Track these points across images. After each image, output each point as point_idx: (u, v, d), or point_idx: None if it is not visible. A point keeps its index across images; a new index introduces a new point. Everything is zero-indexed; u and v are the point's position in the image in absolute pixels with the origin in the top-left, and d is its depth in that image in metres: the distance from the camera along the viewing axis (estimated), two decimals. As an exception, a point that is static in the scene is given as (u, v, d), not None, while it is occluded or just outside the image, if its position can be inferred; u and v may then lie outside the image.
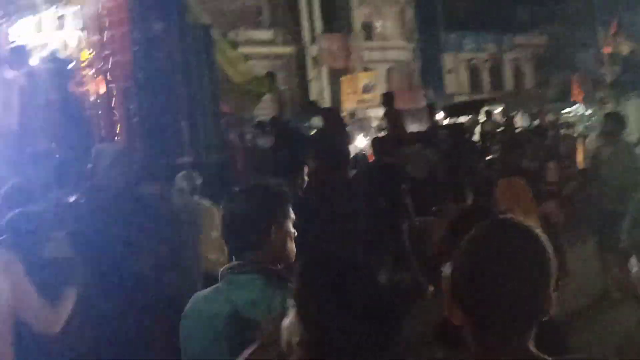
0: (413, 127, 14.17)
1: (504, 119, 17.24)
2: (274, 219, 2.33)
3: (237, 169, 8.81)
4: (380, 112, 15.88)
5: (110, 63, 8.92)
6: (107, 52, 8.94)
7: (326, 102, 27.06)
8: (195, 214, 5.53)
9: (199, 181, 6.10)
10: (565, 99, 21.94)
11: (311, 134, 9.98)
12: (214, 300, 2.29)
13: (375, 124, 25.01)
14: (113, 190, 4.27)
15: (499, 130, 15.05)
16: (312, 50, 30.97)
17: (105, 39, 8.93)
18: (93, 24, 8.95)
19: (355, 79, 27.75)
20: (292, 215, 2.40)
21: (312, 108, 12.22)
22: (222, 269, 2.35)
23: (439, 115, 17.99)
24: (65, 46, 9.33)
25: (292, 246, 2.39)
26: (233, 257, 2.35)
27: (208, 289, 2.39)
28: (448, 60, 37.29)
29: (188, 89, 8.22)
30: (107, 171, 4.36)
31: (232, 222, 2.35)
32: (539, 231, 1.56)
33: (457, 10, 38.33)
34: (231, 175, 8.32)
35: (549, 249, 1.53)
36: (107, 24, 8.95)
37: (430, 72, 35.48)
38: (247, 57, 23.34)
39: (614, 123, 7.26)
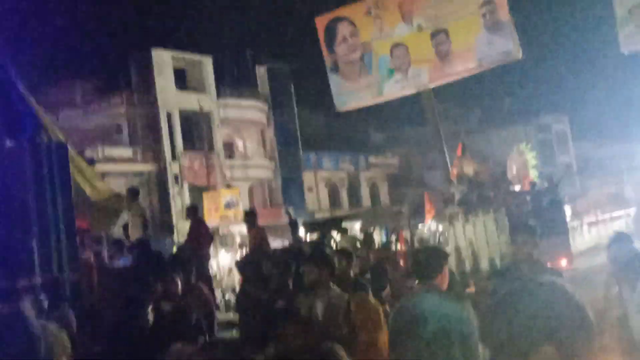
0: (276, 243, 14.25)
1: (362, 235, 17.74)
2: (445, 261, 4.20)
3: (92, 288, 8.35)
4: (242, 228, 15.87)
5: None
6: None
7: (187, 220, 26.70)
8: (43, 340, 5.12)
9: (45, 304, 5.71)
10: (419, 215, 23.05)
11: (174, 251, 9.75)
12: (414, 305, 3.99)
13: (238, 240, 24.99)
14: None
15: (357, 246, 15.42)
16: (174, 168, 30.87)
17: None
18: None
19: (217, 196, 27.82)
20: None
21: (193, 212, 11.98)
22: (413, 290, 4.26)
23: (300, 232, 18.24)
24: None
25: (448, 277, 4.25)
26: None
27: (407, 301, 4.21)
28: (308, 178, 38.41)
29: (40, 206, 7.84)
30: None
31: (422, 262, 4.16)
32: None
33: (314, 132, 40.06)
34: (85, 294, 7.87)
35: None
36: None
37: (291, 190, 36.29)
38: (105, 174, 22.92)
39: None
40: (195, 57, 33.65)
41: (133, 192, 11.62)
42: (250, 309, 6.77)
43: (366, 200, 42.60)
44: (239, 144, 36.18)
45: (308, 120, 39.43)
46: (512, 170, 21.95)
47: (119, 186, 20.95)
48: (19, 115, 8.81)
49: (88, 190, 9.69)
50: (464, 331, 3.73)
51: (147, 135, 31.12)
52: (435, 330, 3.78)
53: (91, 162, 22.70)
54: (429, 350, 3.80)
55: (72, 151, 10.10)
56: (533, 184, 19.65)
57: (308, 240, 16.55)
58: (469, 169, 19.05)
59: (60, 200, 8.02)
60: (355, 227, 22.28)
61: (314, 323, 4.75)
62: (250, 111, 36.07)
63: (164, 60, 31.84)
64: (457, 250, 16.98)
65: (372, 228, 21.22)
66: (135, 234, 10.64)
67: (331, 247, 12.90)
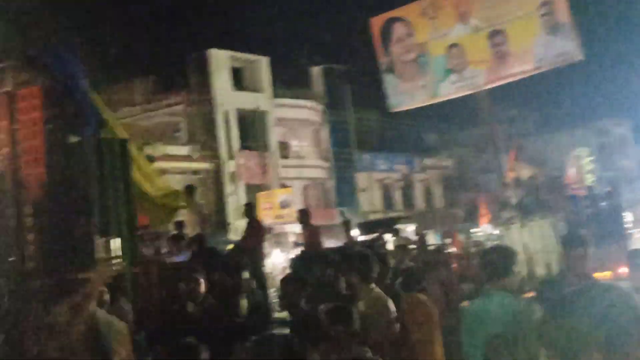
0: (329, 243, 14.32)
1: (416, 237, 17.64)
2: (515, 262, 4.36)
3: (152, 283, 8.57)
4: (296, 227, 16.00)
5: (20, 175, 8.69)
6: (18, 164, 8.72)
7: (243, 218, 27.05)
8: (105, 333, 5.30)
9: (106, 296, 5.92)
10: (474, 218, 22.79)
11: (228, 249, 9.93)
12: (485, 304, 4.21)
13: (292, 239, 25.16)
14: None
15: (411, 247, 15.37)
16: (230, 167, 31.28)
17: (17, 151, 8.74)
18: (4, 136, 8.77)
19: (271, 195, 28.10)
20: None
21: (249, 210, 12.11)
22: (483, 288, 4.35)
23: (354, 232, 18.27)
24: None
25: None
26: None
27: (478, 299, 4.38)
28: (362, 179, 38.37)
29: (102, 202, 8.09)
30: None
31: (493, 261, 4.31)
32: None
33: (369, 132, 39.99)
34: (144, 289, 8.09)
35: None
36: (19, 137, 8.78)
37: (344, 190, 36.32)
38: (163, 172, 23.38)
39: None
40: (252, 57, 34.01)
41: (190, 190, 11.86)
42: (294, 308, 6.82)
43: (420, 203, 42.30)
44: (294, 143, 36.41)
45: (362, 121, 39.39)
46: (570, 175, 21.51)
47: (177, 184, 21.31)
48: (82, 111, 9.09)
49: (148, 187, 9.94)
50: (529, 332, 3.86)
51: (204, 134, 31.63)
52: (503, 329, 3.98)
53: (150, 159, 23.22)
54: (494, 348, 3.98)
55: (132, 148, 10.37)
56: (591, 189, 19.21)
57: (361, 240, 16.57)
58: (525, 172, 18.75)
59: (122, 195, 8.26)
60: (409, 230, 22.16)
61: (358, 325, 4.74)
62: (305, 111, 36.27)
63: (221, 61, 32.30)
64: (512, 254, 16.73)
65: (425, 231, 21.09)
66: (192, 230, 10.86)
67: (385, 249, 12.91)
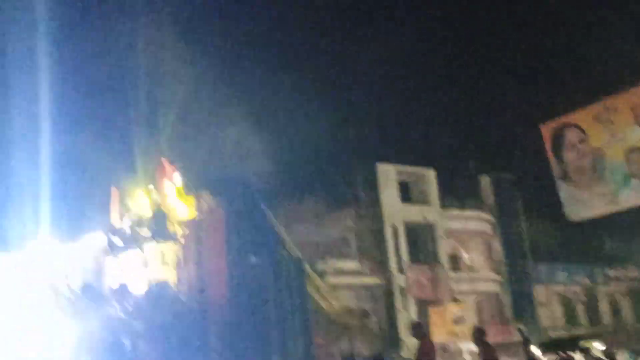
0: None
1: (606, 357, 16.21)
2: None
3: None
4: (471, 345, 15.33)
5: (204, 296, 9.19)
6: (202, 284, 9.26)
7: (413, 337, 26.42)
8: None
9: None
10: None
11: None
12: None
13: (467, 357, 24.11)
14: None
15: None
16: (399, 281, 31.01)
17: (201, 271, 9.30)
18: (191, 257, 9.40)
19: (444, 311, 27.33)
20: None
21: (418, 330, 11.77)
22: None
23: (535, 351, 17.16)
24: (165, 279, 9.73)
25: None
26: None
27: None
28: (540, 292, 36.37)
29: (281, 320, 8.29)
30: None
31: None
32: None
33: (544, 242, 38.22)
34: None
35: None
36: (204, 258, 9.38)
37: (521, 305, 34.55)
38: (334, 287, 23.64)
39: None
40: (419, 170, 34.33)
41: (364, 311, 11.79)
42: None
43: (606, 317, 39.11)
44: (465, 256, 35.57)
45: (536, 230, 37.84)
46: None
47: (348, 299, 21.41)
48: (261, 232, 9.59)
49: (324, 304, 10.07)
50: None
51: (373, 249, 31.80)
52: None
53: (321, 275, 23.65)
54: None
55: (307, 266, 10.64)
56: None
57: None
58: None
59: (299, 315, 8.43)
60: (598, 348, 20.42)
61: None
62: (474, 222, 35.58)
63: (388, 175, 32.87)
64: None
65: (616, 349, 19.36)
66: (365, 349, 10.74)
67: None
